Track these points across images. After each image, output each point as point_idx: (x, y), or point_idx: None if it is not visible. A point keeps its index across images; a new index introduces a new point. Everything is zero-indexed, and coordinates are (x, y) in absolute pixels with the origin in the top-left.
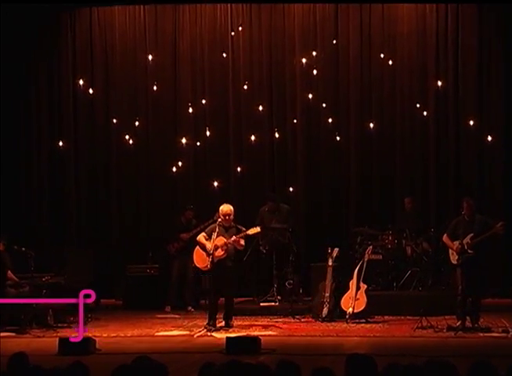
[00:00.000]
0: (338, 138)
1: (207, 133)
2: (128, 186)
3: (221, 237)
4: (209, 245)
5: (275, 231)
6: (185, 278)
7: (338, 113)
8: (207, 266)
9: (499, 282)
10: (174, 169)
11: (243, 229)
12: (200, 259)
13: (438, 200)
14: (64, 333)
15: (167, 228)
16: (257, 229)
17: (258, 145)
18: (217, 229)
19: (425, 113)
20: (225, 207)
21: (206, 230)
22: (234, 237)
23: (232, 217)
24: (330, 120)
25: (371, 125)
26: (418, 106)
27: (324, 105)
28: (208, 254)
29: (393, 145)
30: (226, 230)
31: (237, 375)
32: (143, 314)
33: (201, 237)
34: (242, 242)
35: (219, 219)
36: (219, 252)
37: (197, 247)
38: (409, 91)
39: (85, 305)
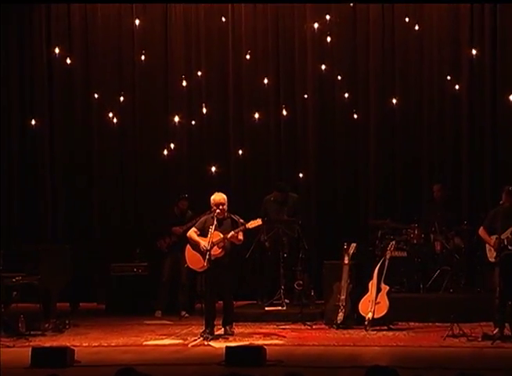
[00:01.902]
0: (356, 116)
1: (204, 111)
2: (111, 173)
3: (216, 232)
4: (204, 242)
5: (282, 224)
6: (179, 278)
7: (356, 87)
8: (203, 267)
9: None
10: (165, 152)
11: (241, 220)
12: (193, 259)
13: (472, 188)
14: (38, 342)
15: (158, 220)
16: (258, 222)
17: (263, 124)
18: (214, 222)
19: (457, 86)
20: (218, 196)
21: (196, 224)
22: (232, 232)
23: (226, 207)
24: (347, 95)
25: (394, 101)
26: (449, 78)
27: (339, 77)
28: (204, 253)
29: (419, 124)
30: (220, 223)
31: None
32: (129, 320)
33: (192, 234)
34: (240, 236)
35: (217, 211)
36: (215, 250)
37: (188, 245)
38: (438, 61)
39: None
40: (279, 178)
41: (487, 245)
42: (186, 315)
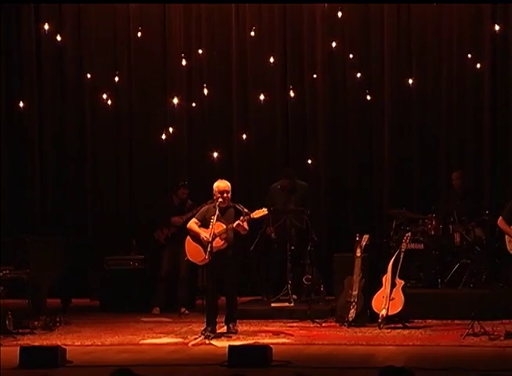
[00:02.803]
0: (369, 97)
1: (205, 92)
2: (105, 159)
3: (218, 223)
4: (205, 234)
5: (289, 214)
6: (178, 273)
7: (369, 66)
8: (204, 260)
9: None
10: (163, 137)
11: (245, 209)
12: (194, 252)
13: (495, 175)
14: (27, 341)
15: (155, 210)
16: (264, 211)
17: (269, 106)
18: (216, 212)
19: (479, 65)
20: (222, 183)
21: (197, 215)
22: (238, 221)
23: (229, 195)
24: (359, 74)
25: (410, 81)
26: (470, 56)
27: (351, 56)
28: (205, 245)
29: (438, 106)
30: (222, 213)
31: None
32: (125, 317)
33: (193, 224)
34: (246, 225)
35: (220, 200)
36: (217, 242)
37: (188, 237)
38: (458, 37)
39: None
40: (286, 164)
41: (506, 236)
42: (186, 312)
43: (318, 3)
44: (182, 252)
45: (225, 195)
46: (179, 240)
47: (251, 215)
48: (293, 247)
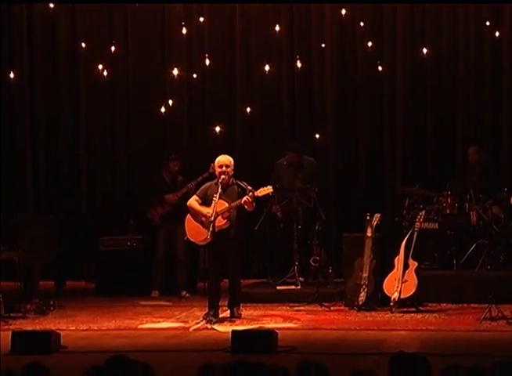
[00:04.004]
0: (380, 68)
1: (207, 62)
2: (101, 133)
3: (221, 201)
4: (206, 211)
5: (296, 192)
6: (175, 254)
7: (380, 35)
8: (205, 239)
9: None
10: (162, 110)
11: (249, 187)
12: (194, 231)
13: None
14: (18, 325)
15: (147, 188)
16: (269, 189)
17: (274, 78)
18: (219, 190)
19: (497, 33)
20: (223, 158)
21: (198, 192)
22: (246, 197)
23: (231, 171)
24: (370, 44)
25: (424, 51)
26: (488, 24)
27: (362, 24)
28: (206, 224)
29: (453, 77)
30: (225, 191)
31: None
32: (122, 301)
33: (193, 202)
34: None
35: (222, 176)
36: (220, 221)
37: (188, 215)
38: (475, 4)
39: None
40: (293, 139)
41: None
42: (187, 295)
43: None
44: (178, 232)
45: (224, 168)
46: (175, 219)
47: (255, 193)
48: (300, 227)
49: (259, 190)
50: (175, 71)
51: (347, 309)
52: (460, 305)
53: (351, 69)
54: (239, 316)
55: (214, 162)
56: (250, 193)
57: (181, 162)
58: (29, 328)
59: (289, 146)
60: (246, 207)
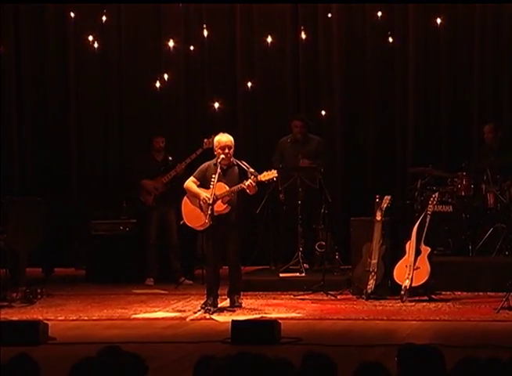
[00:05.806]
0: (391, 39)
1: (205, 33)
2: (92, 109)
3: (220, 184)
4: (204, 194)
5: (301, 172)
6: (169, 238)
7: (391, 4)
8: (204, 224)
9: None
10: (157, 85)
11: (251, 169)
12: (191, 216)
13: None
14: (4, 315)
15: (137, 170)
16: (273, 173)
17: (277, 50)
18: (218, 171)
19: None
20: (224, 138)
21: (195, 173)
22: (250, 181)
23: (232, 151)
24: (380, 13)
25: (438, 21)
26: None
27: None
28: (205, 208)
29: (469, 49)
30: (224, 172)
31: (246, 373)
32: (115, 289)
33: (191, 184)
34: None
35: (221, 156)
36: (219, 206)
37: (185, 198)
38: None
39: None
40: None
41: None
42: (186, 281)
43: None
44: (171, 214)
45: (226, 151)
46: (167, 201)
47: (259, 178)
48: (304, 210)
49: (263, 174)
50: (171, 43)
51: (354, 297)
52: (476, 293)
53: (360, 40)
54: (240, 305)
55: (207, 138)
56: (253, 177)
57: (166, 138)
58: (15, 318)
59: (293, 116)
60: (248, 191)
